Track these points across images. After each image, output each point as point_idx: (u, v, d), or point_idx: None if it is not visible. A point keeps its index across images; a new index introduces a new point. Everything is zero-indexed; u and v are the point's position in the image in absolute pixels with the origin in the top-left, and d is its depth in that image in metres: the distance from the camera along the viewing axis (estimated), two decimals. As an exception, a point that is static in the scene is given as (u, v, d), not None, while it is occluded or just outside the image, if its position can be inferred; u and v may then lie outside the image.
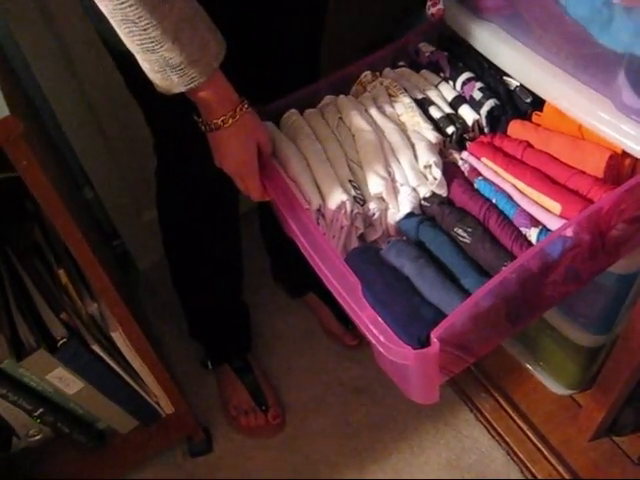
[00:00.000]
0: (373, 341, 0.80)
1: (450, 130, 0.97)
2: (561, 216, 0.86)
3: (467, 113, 0.98)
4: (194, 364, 1.63)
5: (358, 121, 0.96)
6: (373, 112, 0.99)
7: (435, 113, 0.99)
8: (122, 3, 0.72)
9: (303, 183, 0.92)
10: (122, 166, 1.57)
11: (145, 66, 0.80)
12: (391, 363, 0.84)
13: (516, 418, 1.42)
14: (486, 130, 0.99)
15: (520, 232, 0.86)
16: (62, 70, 1.36)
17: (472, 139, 0.98)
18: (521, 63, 0.95)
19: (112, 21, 0.75)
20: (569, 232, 0.83)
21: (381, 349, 0.79)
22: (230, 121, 0.87)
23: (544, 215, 0.87)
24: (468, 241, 0.86)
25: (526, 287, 0.85)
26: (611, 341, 1.24)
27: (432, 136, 0.95)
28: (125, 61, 0.84)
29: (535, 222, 0.86)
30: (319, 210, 0.91)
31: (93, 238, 1.26)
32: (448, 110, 0.99)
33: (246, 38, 1.04)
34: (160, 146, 1.15)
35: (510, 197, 0.89)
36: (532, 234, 0.85)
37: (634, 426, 1.34)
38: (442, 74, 1.05)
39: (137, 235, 1.71)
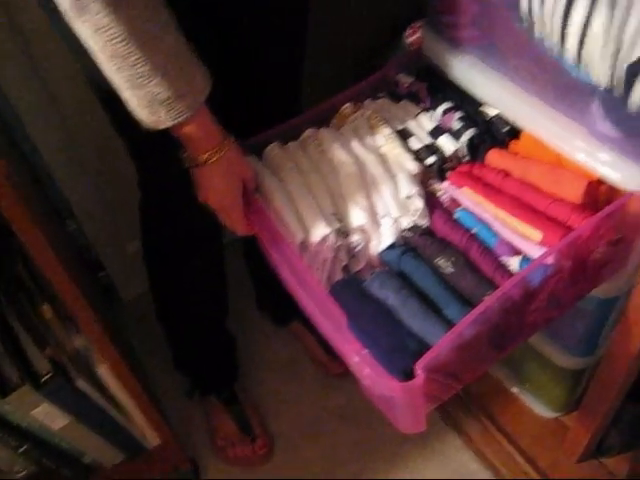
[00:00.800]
0: (359, 374, 0.80)
1: (430, 160, 0.98)
2: (542, 244, 0.87)
3: (447, 143, 0.99)
4: (181, 394, 1.62)
5: (339, 153, 0.98)
6: (354, 144, 1.00)
7: (415, 144, 1.00)
8: (113, 39, 0.72)
9: (286, 217, 0.93)
10: (106, 198, 1.57)
11: (132, 102, 0.80)
12: (377, 394, 0.84)
13: (504, 441, 1.42)
14: (466, 160, 1.00)
15: (501, 261, 0.87)
16: (44, 104, 1.36)
17: (452, 169, 0.99)
18: (498, 93, 0.97)
19: (100, 58, 0.76)
20: (550, 260, 0.84)
21: (367, 382, 0.79)
22: (215, 157, 0.87)
23: (525, 243, 0.88)
24: (450, 271, 0.87)
25: (509, 315, 0.86)
26: (595, 363, 1.24)
27: (413, 167, 0.96)
28: (110, 98, 0.84)
29: (516, 251, 0.88)
30: (303, 243, 0.91)
31: (77, 271, 1.25)
32: (428, 140, 1.01)
33: (229, 71, 1.05)
34: (144, 182, 1.15)
35: (491, 226, 0.91)
36: (513, 263, 0.86)
37: (620, 447, 1.35)
38: (422, 104, 1.07)
39: (122, 266, 1.71)
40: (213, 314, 1.45)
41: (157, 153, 0.97)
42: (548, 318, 0.97)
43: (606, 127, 0.84)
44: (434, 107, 1.04)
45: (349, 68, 1.30)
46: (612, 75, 0.79)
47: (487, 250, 0.89)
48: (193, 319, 1.42)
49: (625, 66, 0.77)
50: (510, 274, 0.85)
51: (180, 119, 0.81)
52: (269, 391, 1.63)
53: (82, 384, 1.14)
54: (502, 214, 0.91)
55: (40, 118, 1.38)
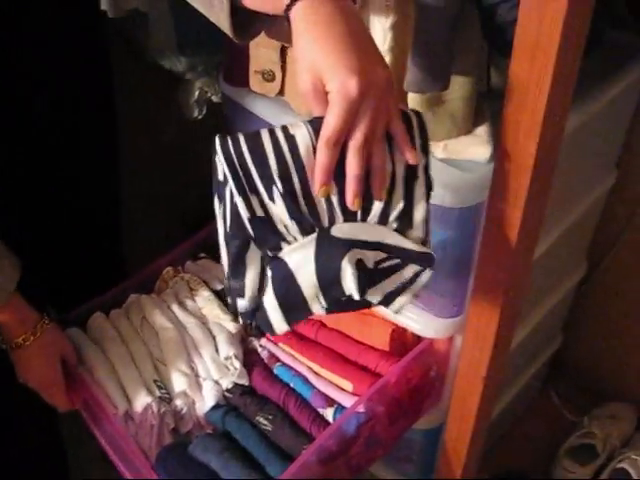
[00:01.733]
0: None
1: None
2: (354, 393, 0.92)
3: None
4: None
5: (160, 319, 1.01)
6: (175, 308, 1.04)
7: (234, 303, 1.05)
8: None
9: (109, 388, 0.94)
10: None
11: None
12: None
13: None
14: None
15: (318, 413, 0.92)
16: None
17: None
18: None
19: None
20: (361, 408, 0.90)
21: None
22: (31, 339, 0.89)
23: (338, 394, 0.93)
24: (270, 428, 0.91)
25: (331, 463, 0.90)
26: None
27: (232, 327, 1.01)
28: None
29: (331, 402, 0.92)
30: (127, 413, 0.93)
31: None
32: None
33: (43, 245, 1.06)
34: None
35: (307, 380, 0.96)
36: (328, 414, 0.91)
37: None
38: (240, 263, 1.12)
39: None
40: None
41: None
42: (372, 458, 1.03)
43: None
44: (252, 265, 1.09)
45: (178, 227, 1.35)
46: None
47: (304, 403, 0.93)
48: None
49: None
50: (326, 425, 0.90)
51: None
52: None
53: None
54: (316, 367, 0.96)
55: None
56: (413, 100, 0.77)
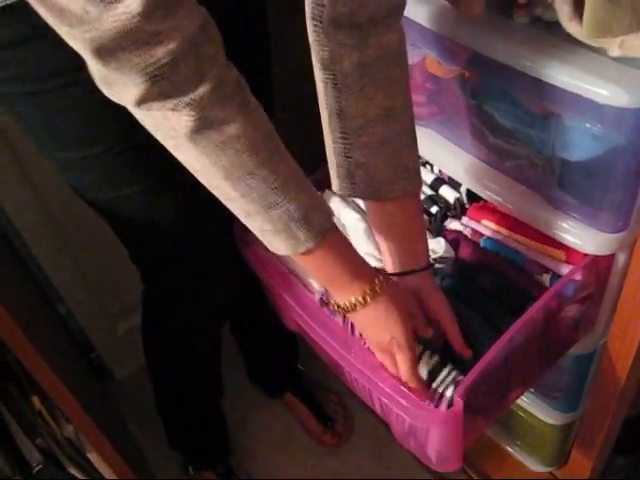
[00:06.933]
0: (396, 409, 0.82)
1: (434, 210, 1.03)
2: (567, 262, 0.93)
3: (448, 193, 1.05)
4: (177, 470, 1.60)
5: (347, 212, 1.02)
6: (360, 201, 1.03)
7: (418, 195, 1.05)
8: (242, 152, 0.62)
9: (303, 275, 0.94)
10: (91, 281, 1.56)
11: (265, 229, 0.68)
12: (413, 432, 0.87)
13: (498, 500, 1.42)
14: (467, 206, 1.04)
15: (535, 278, 0.93)
16: (24, 188, 1.36)
17: (455, 217, 1.04)
18: (456, 165, 0.99)
19: (228, 184, 0.64)
20: (578, 275, 0.89)
21: (405, 416, 0.81)
22: (368, 299, 0.75)
23: (552, 262, 0.94)
24: (490, 290, 0.92)
25: (547, 329, 0.91)
26: (580, 417, 1.26)
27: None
28: (111, 212, 0.87)
29: (545, 269, 0.93)
30: (322, 299, 0.92)
31: (66, 358, 1.26)
32: (429, 192, 1.06)
33: None
34: (147, 279, 1.13)
35: (517, 250, 0.96)
36: (545, 279, 0.92)
37: (614, 502, 1.34)
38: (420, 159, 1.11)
39: (112, 347, 1.70)
40: (209, 397, 1.44)
41: (159, 260, 0.99)
42: (574, 339, 1.02)
43: (561, 195, 0.88)
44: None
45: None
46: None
47: (521, 269, 0.94)
48: (190, 404, 1.41)
49: None
50: (546, 288, 0.90)
51: (320, 237, 0.69)
52: (264, 463, 1.60)
53: (73, 472, 1.14)
54: (524, 239, 0.96)
55: (21, 205, 1.38)
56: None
